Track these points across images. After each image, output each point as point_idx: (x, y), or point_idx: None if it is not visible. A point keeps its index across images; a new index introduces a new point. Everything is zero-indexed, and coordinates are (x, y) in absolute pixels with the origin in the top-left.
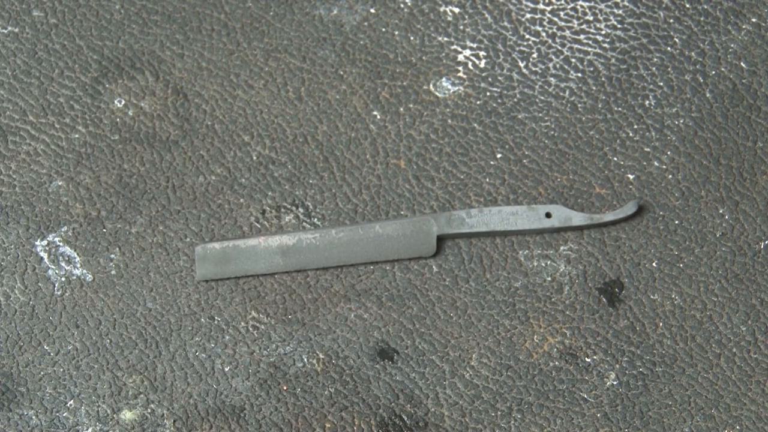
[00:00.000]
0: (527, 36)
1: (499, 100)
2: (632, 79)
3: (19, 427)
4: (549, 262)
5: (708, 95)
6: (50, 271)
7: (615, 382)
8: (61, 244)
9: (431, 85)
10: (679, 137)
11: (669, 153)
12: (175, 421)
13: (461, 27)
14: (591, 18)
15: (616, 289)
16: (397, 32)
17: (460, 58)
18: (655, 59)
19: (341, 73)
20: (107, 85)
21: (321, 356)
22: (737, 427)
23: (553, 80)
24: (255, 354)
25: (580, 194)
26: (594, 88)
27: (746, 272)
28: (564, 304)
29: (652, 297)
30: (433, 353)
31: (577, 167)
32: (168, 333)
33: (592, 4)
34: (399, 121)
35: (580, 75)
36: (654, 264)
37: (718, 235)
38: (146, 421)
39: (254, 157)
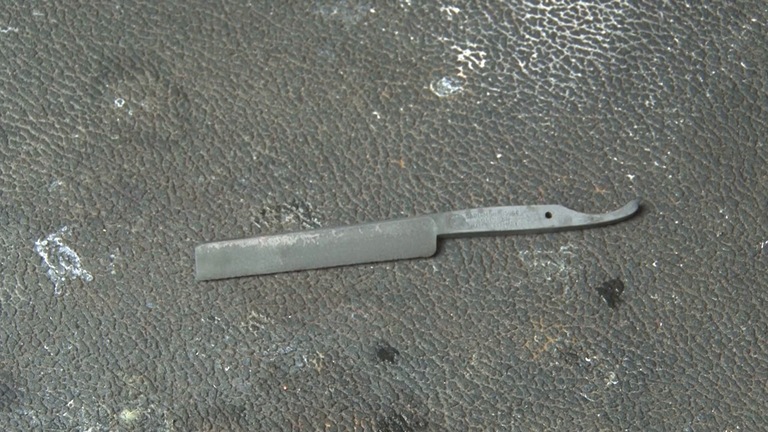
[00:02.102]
0: (527, 36)
1: (499, 100)
2: (632, 79)
3: (19, 427)
4: (549, 262)
5: (708, 95)
6: (50, 271)
7: (615, 382)
8: (61, 244)
9: (431, 85)
10: (679, 137)
11: (669, 153)
12: (175, 421)
13: (461, 27)
14: (591, 18)
15: (616, 289)
16: (397, 32)
17: (460, 58)
18: (655, 59)
19: (341, 73)
20: (107, 85)
21: (321, 356)
22: (737, 427)
23: (553, 80)
24: (255, 354)
25: (580, 194)
26: (594, 88)
27: (746, 272)
28: (564, 304)
29: (652, 297)
30: (433, 353)
31: (577, 167)
32: (168, 333)
33: (592, 4)
34: (399, 121)
35: (580, 75)
36: (654, 264)
37: (718, 235)
38: (146, 421)
39: (254, 157)
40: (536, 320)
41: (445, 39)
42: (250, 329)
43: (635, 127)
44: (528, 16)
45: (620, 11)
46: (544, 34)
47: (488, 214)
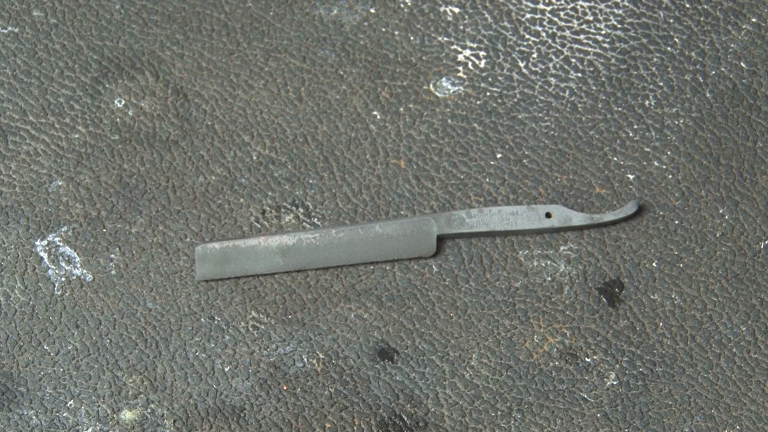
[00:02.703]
0: (527, 36)
1: (499, 100)
2: (632, 79)
3: (19, 427)
4: (549, 262)
5: (708, 95)
6: (50, 271)
7: (615, 382)
8: (61, 244)
9: (431, 85)
10: (679, 137)
11: (669, 153)
12: (175, 421)
13: (461, 27)
14: (591, 18)
15: (616, 289)
16: (397, 32)
17: (460, 58)
18: (655, 59)
19: (341, 73)
20: (107, 85)
21: (321, 356)
22: (737, 427)
23: (553, 80)
24: (255, 354)
25: (580, 194)
26: (594, 88)
27: (746, 272)
28: (564, 304)
29: (652, 297)
30: (433, 353)
31: (577, 167)
32: (168, 333)
33: (592, 4)
34: (399, 121)
35: (580, 75)
36: (654, 264)
37: (718, 235)
38: (146, 421)
39: (254, 157)
40: (536, 320)
41: (445, 39)
42: (250, 329)
43: (635, 127)
44: (528, 16)
45: (620, 11)
46: (544, 34)
47: (488, 214)
